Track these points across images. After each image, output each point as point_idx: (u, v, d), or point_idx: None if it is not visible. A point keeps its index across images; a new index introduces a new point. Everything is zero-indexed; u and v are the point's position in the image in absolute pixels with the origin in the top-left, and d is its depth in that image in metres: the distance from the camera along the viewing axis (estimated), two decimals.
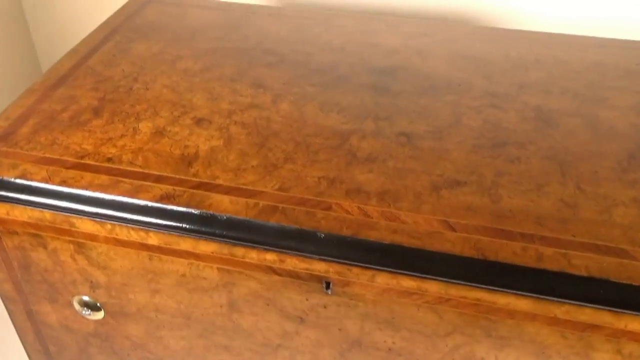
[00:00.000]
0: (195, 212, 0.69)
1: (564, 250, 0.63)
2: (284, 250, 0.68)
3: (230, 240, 0.69)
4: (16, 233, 0.78)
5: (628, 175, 0.71)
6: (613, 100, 0.82)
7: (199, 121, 0.80)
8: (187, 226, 0.69)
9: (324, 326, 0.74)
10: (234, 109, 0.82)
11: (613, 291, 0.61)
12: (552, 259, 0.62)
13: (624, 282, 0.60)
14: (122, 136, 0.78)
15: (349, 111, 0.81)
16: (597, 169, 0.72)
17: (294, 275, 0.70)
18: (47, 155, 0.76)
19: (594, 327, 0.64)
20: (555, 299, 0.62)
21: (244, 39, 0.96)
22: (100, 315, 0.83)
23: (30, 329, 0.90)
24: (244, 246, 0.69)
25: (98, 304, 0.82)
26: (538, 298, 0.63)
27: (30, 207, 0.74)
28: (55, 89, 0.87)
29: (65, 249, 0.77)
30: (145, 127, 0.79)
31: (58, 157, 0.75)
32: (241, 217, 0.68)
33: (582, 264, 0.62)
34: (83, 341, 0.88)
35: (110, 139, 0.78)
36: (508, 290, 0.63)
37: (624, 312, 0.61)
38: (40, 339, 0.91)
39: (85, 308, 0.83)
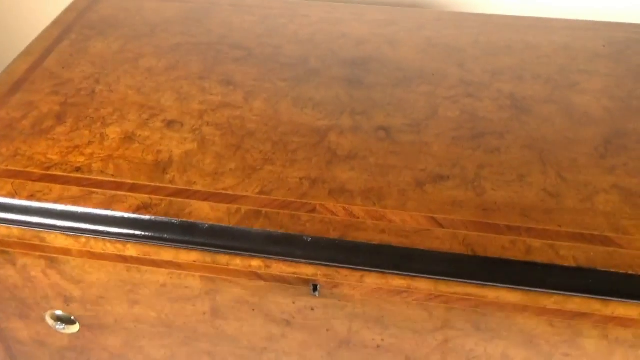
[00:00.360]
0: (175, 222, 0.66)
1: (551, 242, 0.63)
2: (269, 256, 0.66)
3: (214, 249, 0.67)
4: None
5: (606, 161, 0.72)
6: (584, 85, 0.83)
7: (169, 124, 0.77)
8: (167, 236, 0.67)
9: (312, 327, 0.73)
10: (205, 109, 0.79)
11: (601, 280, 0.62)
12: (540, 251, 0.63)
13: (612, 270, 0.61)
14: (89, 143, 0.74)
15: (324, 106, 0.79)
16: (575, 156, 0.72)
17: (280, 280, 0.68)
18: (10, 167, 0.72)
19: (582, 315, 0.65)
20: (545, 290, 0.63)
21: (207, 33, 0.93)
22: (75, 328, 0.80)
23: (1, 347, 0.86)
24: (228, 254, 0.67)
25: (72, 318, 0.79)
26: (528, 290, 0.63)
27: None
28: (12, 95, 0.82)
29: (36, 265, 0.74)
30: (113, 132, 0.76)
31: (22, 169, 0.71)
32: (224, 224, 0.66)
33: (570, 254, 0.62)
34: (57, 355, 0.85)
35: (77, 146, 0.74)
36: (498, 285, 0.63)
37: (612, 300, 0.62)
38: (11, 356, 0.87)
39: (59, 322, 0.80)
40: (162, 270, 0.71)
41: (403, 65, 0.86)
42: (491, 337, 0.69)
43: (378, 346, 0.74)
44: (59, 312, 0.79)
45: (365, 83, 0.83)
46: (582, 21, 0.95)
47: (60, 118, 0.78)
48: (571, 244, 0.63)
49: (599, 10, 1.06)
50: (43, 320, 0.80)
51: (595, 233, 0.64)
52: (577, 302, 0.63)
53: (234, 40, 0.92)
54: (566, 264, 0.62)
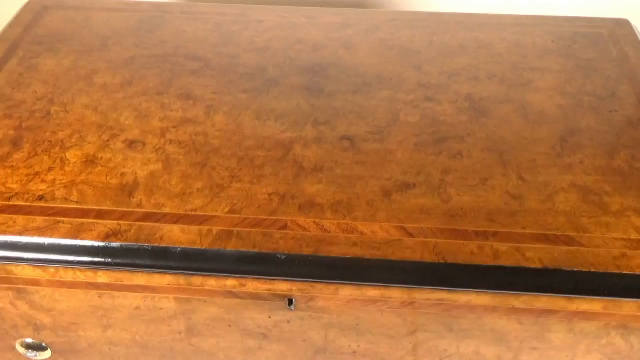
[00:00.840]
0: (147, 247, 0.66)
1: (517, 245, 0.66)
2: (244, 276, 0.66)
3: (188, 272, 0.67)
4: None
5: (563, 160, 0.74)
6: (537, 83, 0.85)
7: (131, 144, 0.76)
8: (140, 262, 0.66)
9: (288, 339, 0.74)
10: (166, 127, 0.78)
11: (566, 279, 0.64)
12: (507, 255, 0.65)
13: (575, 269, 0.64)
14: (49, 169, 0.73)
15: (287, 117, 0.79)
16: (534, 157, 0.75)
17: (255, 297, 0.69)
18: None
19: (549, 312, 0.67)
20: (513, 292, 0.65)
21: (161, 44, 0.92)
22: (47, 355, 0.79)
23: None
24: (203, 275, 0.67)
25: (44, 345, 0.78)
26: (498, 293, 0.66)
27: None
28: None
29: (3, 297, 0.72)
30: (73, 156, 0.74)
31: None
32: (196, 247, 0.66)
33: (536, 256, 0.65)
34: None
35: (37, 173, 0.72)
36: (469, 289, 0.65)
37: (577, 297, 0.65)
38: None
39: (30, 350, 0.79)
40: (136, 294, 0.70)
41: (361, 70, 0.87)
42: (463, 337, 0.72)
43: (354, 352, 0.75)
44: (29, 340, 0.78)
45: (326, 91, 0.83)
46: (530, 16, 0.98)
47: (16, 143, 0.76)
48: (536, 246, 0.65)
49: (542, 4, 1.10)
50: (13, 349, 0.79)
51: (558, 233, 0.67)
52: (544, 301, 0.66)
53: (190, 51, 0.91)
54: (533, 266, 0.64)
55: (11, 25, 0.96)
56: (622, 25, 0.96)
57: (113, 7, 1.01)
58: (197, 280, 0.68)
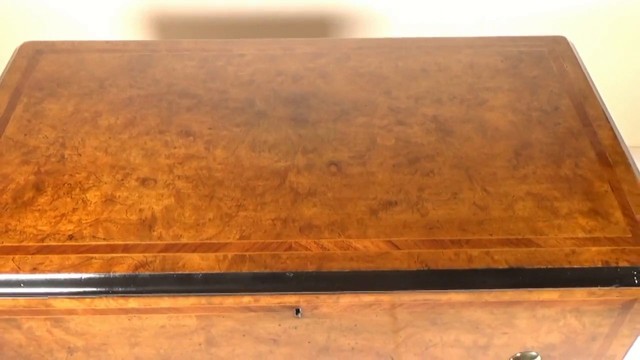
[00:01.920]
0: (172, 275, 0.76)
1: (486, 249, 0.78)
2: (258, 293, 0.77)
3: (209, 294, 0.77)
4: None
5: (518, 171, 0.87)
6: (491, 102, 0.98)
7: (143, 181, 0.85)
8: (166, 288, 0.76)
9: (295, 342, 0.86)
10: (172, 163, 0.88)
11: (527, 275, 0.77)
12: (479, 259, 0.77)
13: (535, 267, 0.77)
14: (74, 210, 0.82)
15: (278, 148, 0.90)
16: (494, 170, 0.87)
17: (267, 309, 0.80)
18: (6, 244, 0.78)
19: (515, 303, 0.80)
20: (485, 289, 0.78)
21: (155, 83, 1.01)
22: None
23: None
24: (222, 296, 0.78)
25: None
26: (472, 291, 0.78)
27: (2, 298, 0.77)
28: None
29: (41, 326, 0.81)
30: (93, 196, 0.83)
31: (18, 244, 0.78)
32: (215, 271, 0.76)
33: (502, 258, 0.77)
34: None
35: (63, 215, 0.81)
36: (449, 290, 0.78)
37: (537, 289, 0.78)
38: None
39: None
40: (161, 315, 0.80)
41: (338, 98, 0.98)
42: (445, 329, 0.84)
43: (352, 348, 0.87)
44: None
45: (310, 120, 0.94)
46: (480, 38, 1.10)
47: (39, 188, 0.85)
48: (502, 249, 0.78)
49: (491, 25, 1.23)
50: None
51: (519, 237, 0.79)
52: (510, 294, 0.79)
53: (182, 88, 1.00)
54: (500, 267, 0.77)
55: (9, 71, 1.04)
56: (560, 42, 1.09)
57: (102, 48, 1.09)
58: (216, 299, 0.78)
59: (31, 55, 1.07)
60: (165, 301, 0.78)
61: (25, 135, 0.92)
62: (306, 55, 1.07)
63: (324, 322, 0.83)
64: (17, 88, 1.00)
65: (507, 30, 1.17)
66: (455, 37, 1.10)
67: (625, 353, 0.90)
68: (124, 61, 1.06)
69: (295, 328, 0.83)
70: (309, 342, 0.86)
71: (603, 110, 0.97)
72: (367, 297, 0.79)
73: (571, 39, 1.11)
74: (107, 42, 1.11)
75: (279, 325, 0.83)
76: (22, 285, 0.76)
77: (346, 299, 0.79)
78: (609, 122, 0.94)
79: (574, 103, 0.98)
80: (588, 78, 1.03)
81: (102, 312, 0.80)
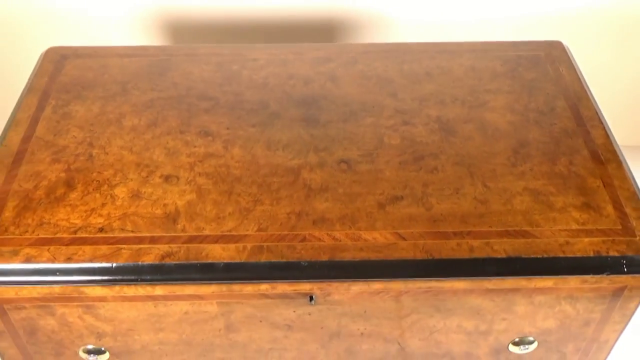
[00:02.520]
0: (196, 264, 0.82)
1: (486, 240, 0.84)
2: (275, 281, 0.83)
3: (229, 281, 0.83)
4: (24, 308, 0.86)
5: (516, 168, 0.93)
6: (492, 103, 1.04)
7: (167, 178, 0.92)
8: (190, 276, 0.83)
9: (309, 328, 0.92)
10: (193, 161, 0.94)
11: (525, 264, 0.83)
12: (479, 249, 0.83)
13: (531, 256, 0.83)
14: (103, 205, 0.88)
15: (292, 147, 0.96)
16: (494, 167, 0.93)
17: (283, 296, 0.86)
18: (41, 236, 0.84)
19: (514, 290, 0.87)
20: (486, 277, 0.84)
21: (174, 87, 1.07)
22: (105, 357, 0.95)
23: None
24: (241, 283, 0.84)
25: (103, 349, 0.94)
26: (474, 279, 0.84)
27: (39, 286, 0.83)
28: (17, 167, 0.93)
29: (73, 312, 0.88)
30: (120, 192, 0.90)
31: (52, 236, 0.84)
32: (236, 261, 0.82)
33: (501, 248, 0.83)
34: None
35: (93, 209, 0.88)
36: (452, 278, 0.84)
37: (534, 277, 0.84)
38: None
39: (91, 355, 0.94)
40: (185, 302, 0.87)
41: (347, 100, 1.04)
42: (448, 315, 0.90)
43: (362, 334, 0.93)
44: (90, 346, 0.93)
45: (321, 121, 1.00)
46: (481, 42, 1.16)
47: (69, 184, 0.91)
48: (501, 240, 0.84)
49: (490, 30, 1.29)
50: (76, 355, 0.94)
51: (517, 229, 0.86)
52: (509, 282, 0.85)
53: (199, 91, 1.06)
54: (499, 256, 0.83)
55: (36, 75, 1.10)
56: (555, 46, 1.15)
57: (123, 52, 1.15)
58: (236, 287, 0.84)
59: (56, 60, 1.13)
60: (189, 289, 0.84)
61: (55, 135, 0.98)
62: (316, 59, 1.13)
63: (336, 309, 0.89)
64: (45, 91, 1.07)
65: (506, 36, 1.23)
66: (457, 42, 1.17)
67: (617, 338, 0.96)
68: (144, 65, 1.12)
69: (309, 314, 0.90)
70: (321, 328, 0.92)
71: (596, 111, 1.03)
72: (376, 285, 0.85)
73: (567, 42, 1.17)
74: (127, 47, 1.17)
75: (294, 311, 0.89)
76: (57, 273, 0.82)
77: (356, 287, 0.85)
78: (601, 123, 1.00)
79: (569, 104, 1.04)
80: (582, 81, 1.09)
81: (130, 299, 0.86)
